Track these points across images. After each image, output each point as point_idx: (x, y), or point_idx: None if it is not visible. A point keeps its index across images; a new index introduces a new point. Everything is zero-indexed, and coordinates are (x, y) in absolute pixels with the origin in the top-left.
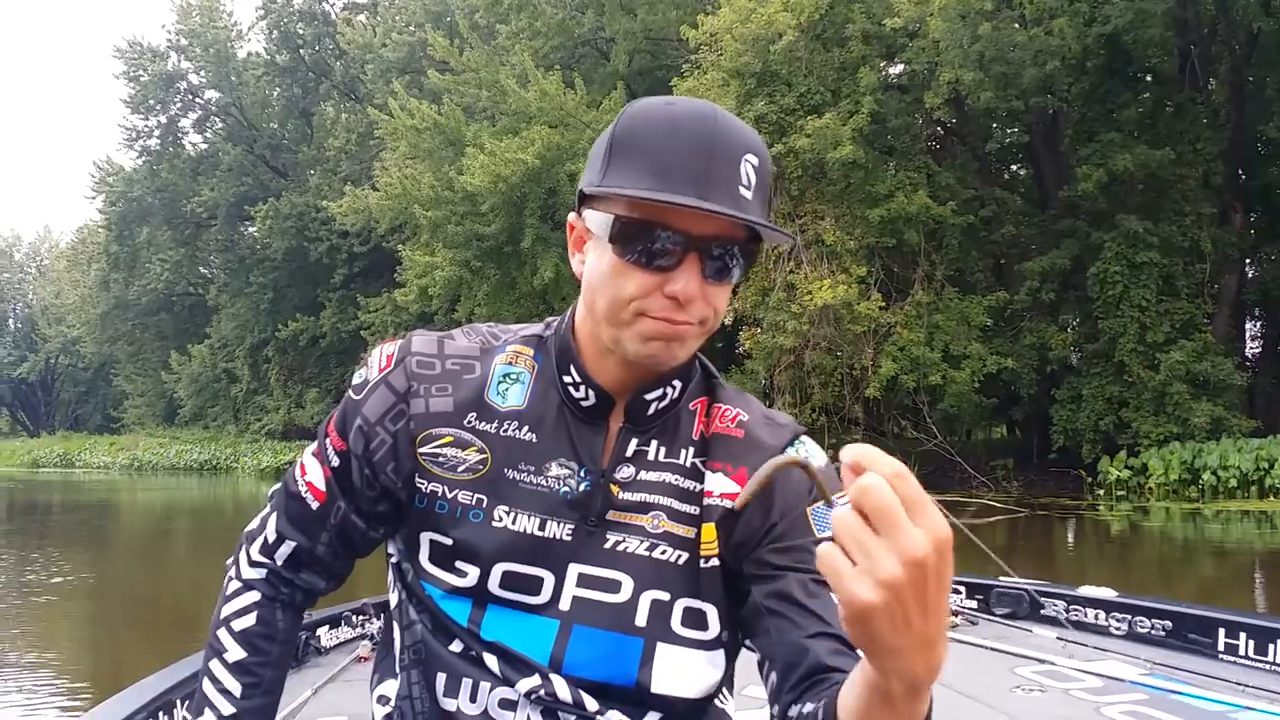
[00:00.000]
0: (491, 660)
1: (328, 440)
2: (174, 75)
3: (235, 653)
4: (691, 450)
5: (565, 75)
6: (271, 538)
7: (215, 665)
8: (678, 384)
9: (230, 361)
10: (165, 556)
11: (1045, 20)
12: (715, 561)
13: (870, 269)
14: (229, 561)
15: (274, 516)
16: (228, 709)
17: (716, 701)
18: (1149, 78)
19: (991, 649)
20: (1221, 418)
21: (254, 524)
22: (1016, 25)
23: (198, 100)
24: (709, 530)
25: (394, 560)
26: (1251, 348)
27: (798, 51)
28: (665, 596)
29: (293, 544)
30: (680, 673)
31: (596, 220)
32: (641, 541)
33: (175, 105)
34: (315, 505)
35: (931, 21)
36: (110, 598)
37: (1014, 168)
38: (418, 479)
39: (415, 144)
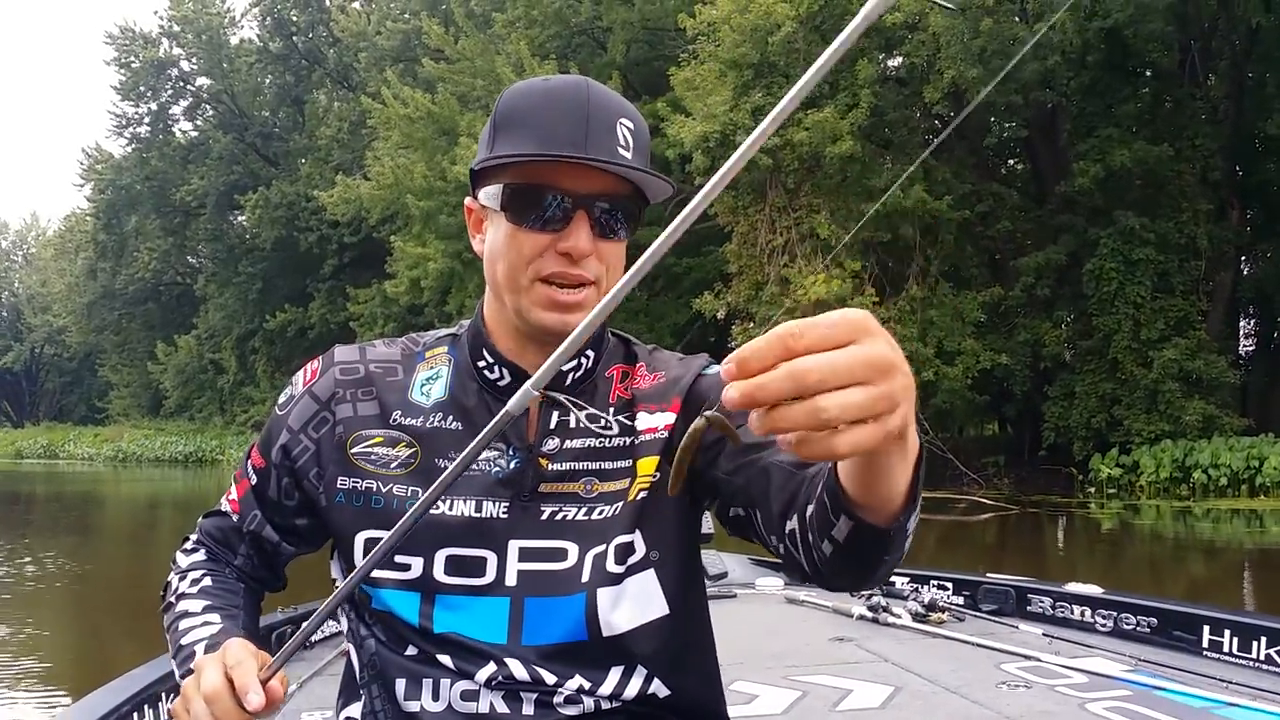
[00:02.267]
0: (446, 657)
1: (249, 461)
2: (165, 62)
3: (194, 587)
4: (612, 411)
5: (561, 65)
6: (192, 541)
7: (180, 609)
8: (590, 354)
9: (217, 352)
10: (150, 548)
11: (1046, 15)
12: (643, 494)
13: (865, 263)
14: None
15: (201, 524)
16: (210, 623)
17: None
18: (1148, 73)
19: (977, 645)
20: (1214, 416)
21: (189, 535)
22: (1017, 19)
23: (189, 87)
24: (647, 464)
25: (337, 582)
26: (1245, 346)
27: (796, 43)
28: (601, 548)
29: (214, 551)
30: (619, 606)
31: (489, 194)
32: (579, 508)
33: (166, 92)
34: (234, 519)
35: (932, 15)
36: (95, 588)
37: (1011, 162)
38: (351, 479)
39: (408, 133)
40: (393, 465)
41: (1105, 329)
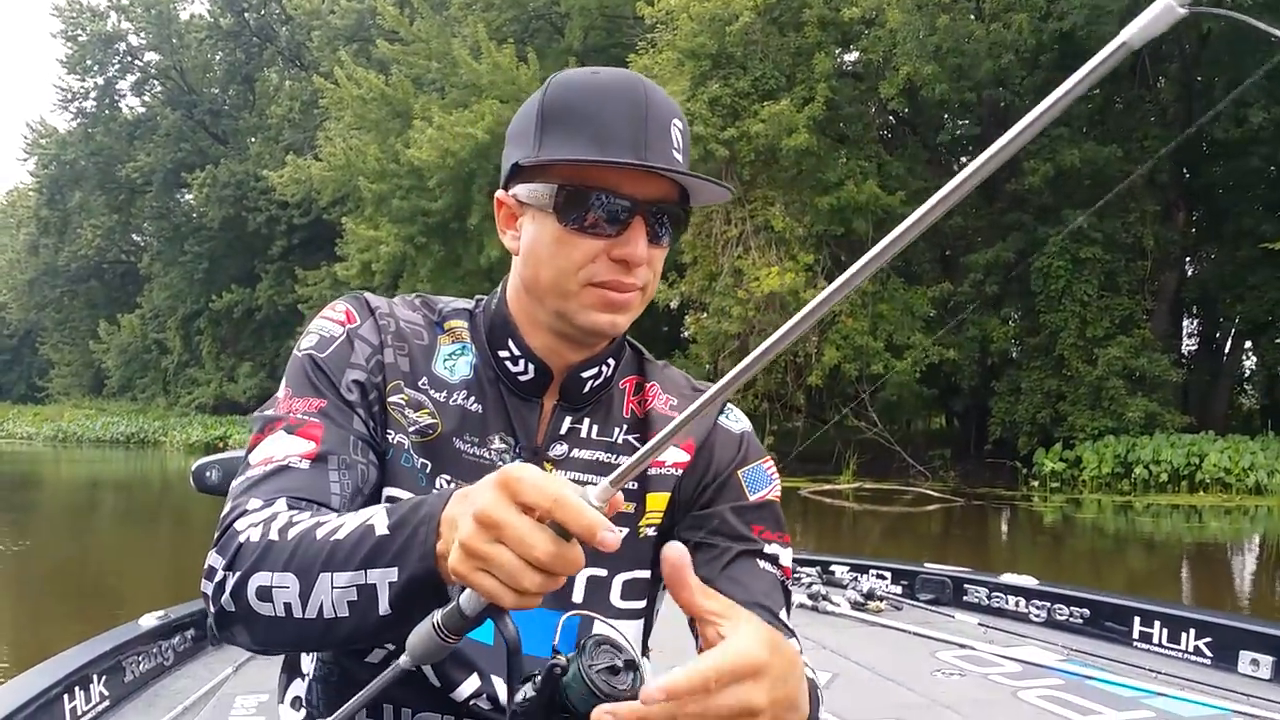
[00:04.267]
0: (428, 669)
1: (296, 404)
2: (113, 36)
3: (296, 516)
4: (625, 428)
5: (518, 49)
6: (260, 503)
7: (296, 535)
8: (611, 362)
9: (161, 332)
10: (90, 529)
11: (1002, 15)
12: (652, 530)
13: (818, 256)
14: (212, 567)
15: (255, 491)
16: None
17: None
18: None
19: (914, 634)
20: (1156, 413)
21: (227, 516)
22: (973, 17)
23: (137, 62)
24: (657, 499)
25: None
26: (1188, 345)
27: (753, 35)
28: (603, 573)
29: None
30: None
31: (535, 192)
32: None
33: (114, 67)
34: (307, 467)
35: (889, 11)
36: (33, 569)
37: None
38: (387, 429)
39: (361, 114)
40: (412, 430)
41: (1052, 326)
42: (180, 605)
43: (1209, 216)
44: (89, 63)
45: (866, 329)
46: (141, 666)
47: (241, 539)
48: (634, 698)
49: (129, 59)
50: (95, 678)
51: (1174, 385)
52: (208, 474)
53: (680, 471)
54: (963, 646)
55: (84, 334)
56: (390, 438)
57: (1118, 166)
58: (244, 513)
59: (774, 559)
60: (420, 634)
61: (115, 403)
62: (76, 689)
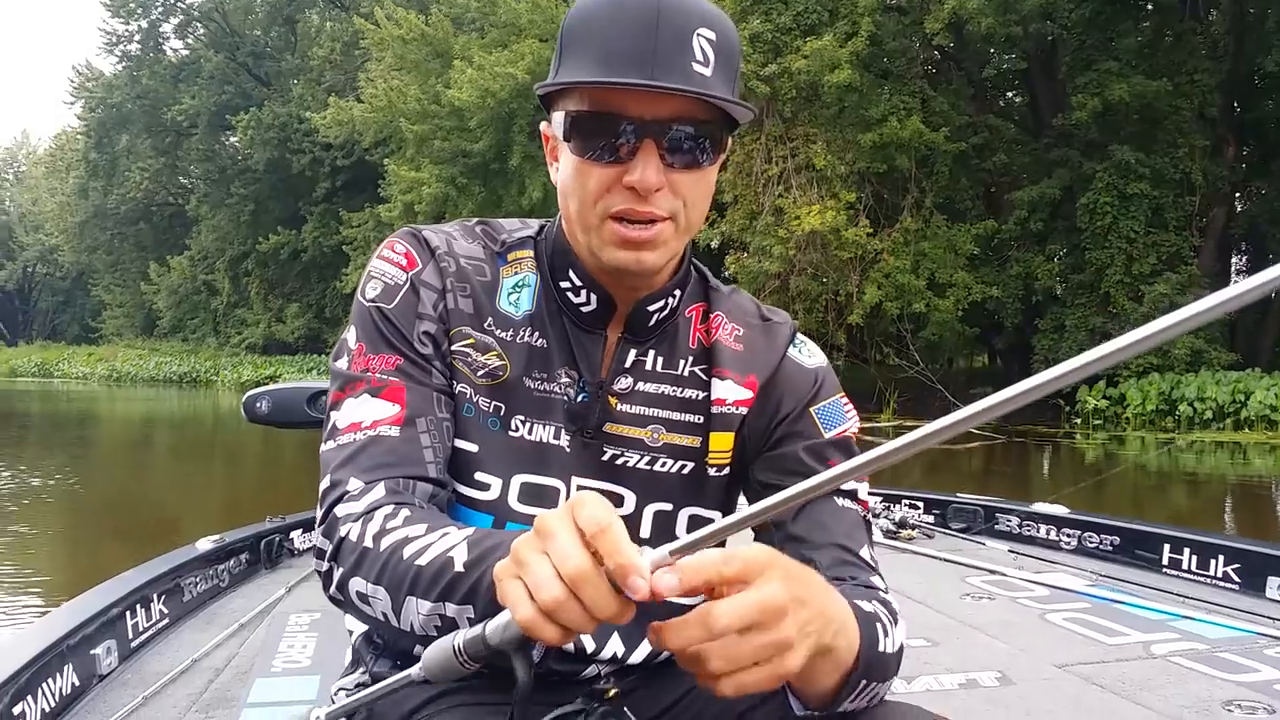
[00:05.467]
0: None
1: (373, 361)
2: None
3: (395, 519)
4: (690, 359)
5: None
6: (361, 485)
7: (390, 544)
8: (678, 293)
9: (210, 274)
10: (147, 463)
11: None
12: (724, 470)
13: (860, 195)
14: (320, 545)
15: (352, 467)
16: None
17: None
18: (1150, 6)
19: (945, 560)
20: (1201, 350)
21: (328, 494)
22: None
23: (179, 4)
24: (721, 439)
25: None
26: (1236, 282)
27: None
28: (668, 507)
29: (393, 483)
30: None
31: (556, 121)
32: (641, 456)
33: (156, 9)
34: (398, 431)
35: None
36: (93, 500)
37: (1010, 95)
38: (453, 380)
39: (401, 55)
40: (479, 374)
41: (1097, 263)
42: (234, 530)
43: (1259, 151)
44: (132, 5)
45: (908, 267)
46: (199, 587)
47: (342, 532)
48: None
49: (171, 1)
50: (155, 597)
51: (1220, 322)
52: (258, 405)
53: (744, 410)
54: (993, 573)
55: (135, 276)
56: (453, 388)
57: (1167, 101)
58: (344, 495)
59: (853, 494)
60: (439, 651)
61: (167, 343)
62: (138, 606)
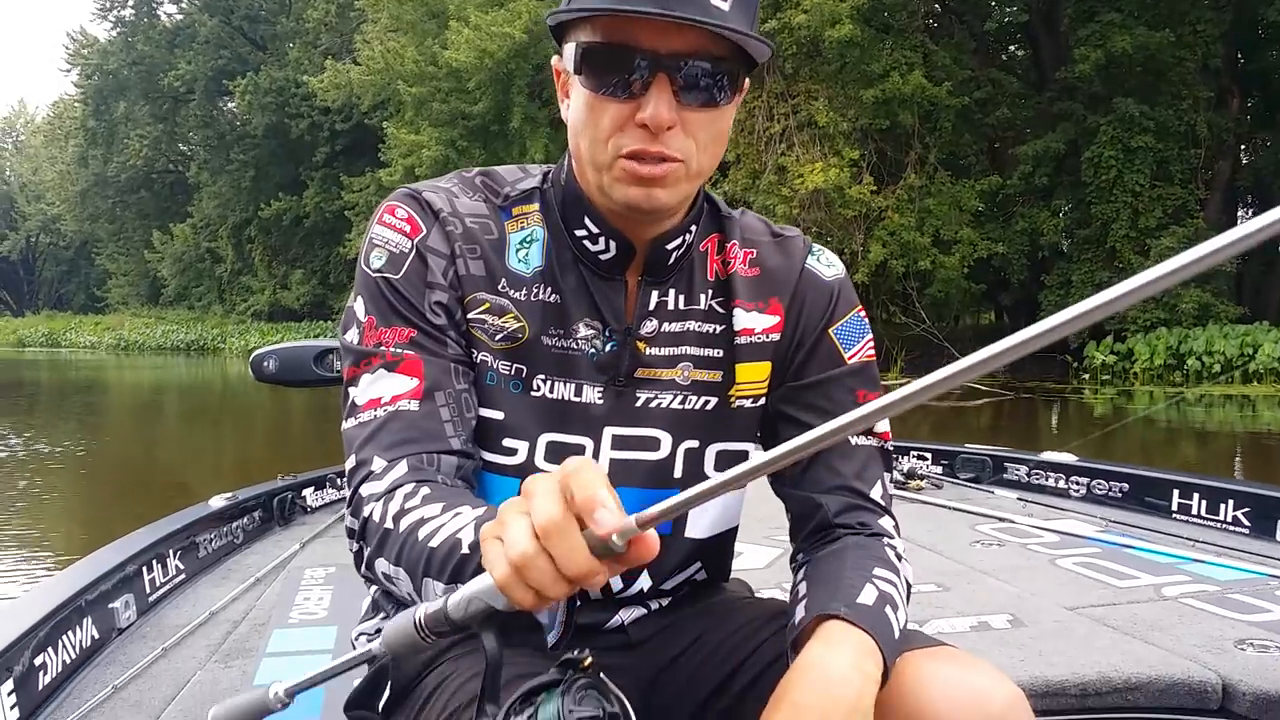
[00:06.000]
0: None
1: (386, 335)
2: None
3: (414, 498)
4: (710, 293)
5: None
6: (375, 465)
7: (408, 523)
8: (694, 228)
9: (213, 241)
10: (157, 428)
11: None
12: (758, 401)
13: (863, 152)
14: (350, 519)
15: (375, 445)
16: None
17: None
18: None
19: (954, 509)
20: (1209, 304)
21: (354, 474)
22: None
23: None
24: (752, 370)
25: None
26: None
27: None
28: (696, 444)
29: (415, 459)
30: (710, 514)
31: (567, 54)
32: (674, 395)
33: None
34: (417, 404)
35: None
36: (104, 463)
37: (1012, 48)
38: (472, 348)
39: (397, 15)
40: (497, 338)
41: (1103, 217)
42: (246, 488)
43: (1264, 102)
44: None
45: (913, 225)
46: (213, 544)
47: (367, 512)
48: None
49: None
50: (170, 553)
51: (1228, 275)
52: (265, 364)
53: (775, 337)
54: (1002, 520)
55: (138, 244)
56: (472, 354)
57: (1170, 52)
58: (369, 475)
59: (868, 429)
60: (398, 626)
61: (173, 311)
62: (154, 562)
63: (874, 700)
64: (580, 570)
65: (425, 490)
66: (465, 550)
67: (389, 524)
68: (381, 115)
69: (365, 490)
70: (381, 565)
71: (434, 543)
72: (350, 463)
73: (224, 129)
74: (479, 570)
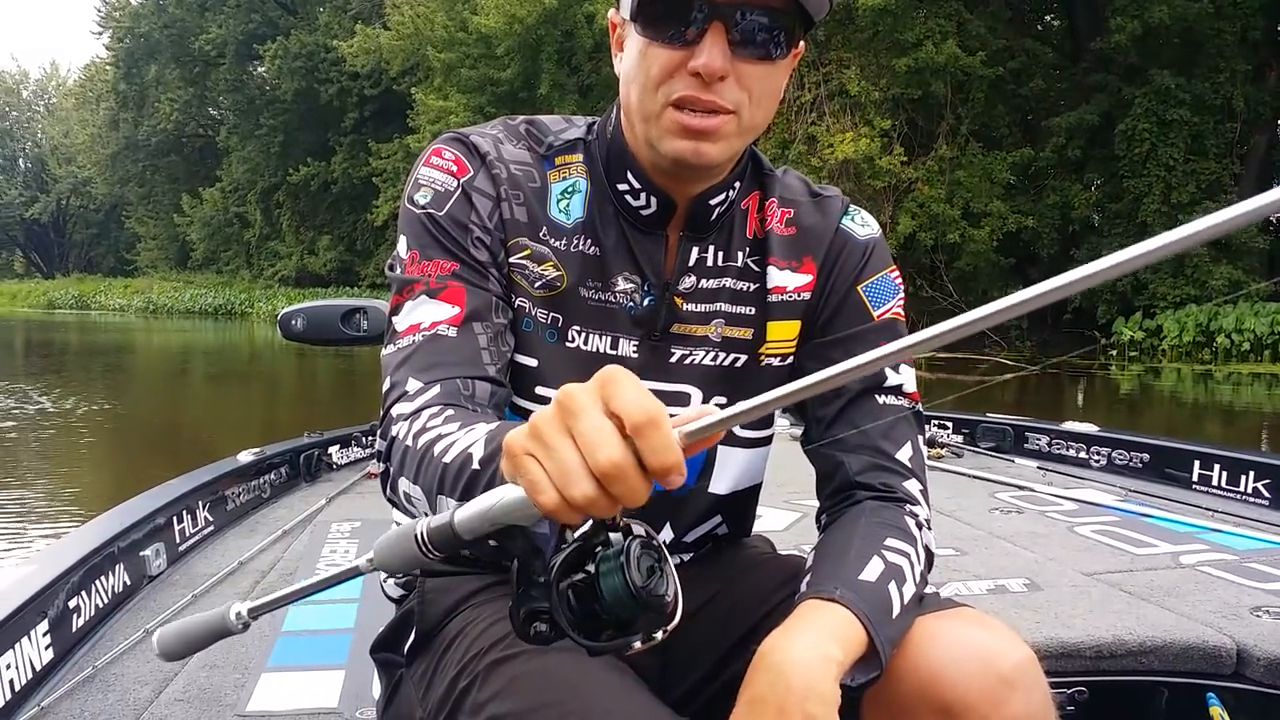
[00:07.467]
0: None
1: (429, 267)
2: None
3: (437, 418)
4: (746, 250)
5: None
6: (418, 385)
7: (424, 442)
8: (738, 185)
9: (242, 206)
10: (186, 389)
11: None
12: (776, 360)
13: (894, 122)
14: (379, 451)
15: (410, 367)
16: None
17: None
18: None
19: (974, 476)
20: (1240, 281)
21: (388, 395)
22: None
23: None
24: (782, 328)
25: None
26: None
27: None
28: (725, 401)
29: (449, 385)
30: (732, 471)
31: (624, 2)
32: (707, 352)
33: None
34: (455, 332)
35: None
36: (134, 421)
37: (1047, 18)
38: (510, 292)
39: None
40: (536, 285)
41: (1135, 192)
42: (274, 444)
43: None
44: None
45: (943, 197)
46: (241, 497)
47: (395, 432)
48: (673, 611)
49: None
50: (200, 505)
51: (1260, 252)
52: (293, 322)
53: (807, 295)
54: (1021, 488)
55: (167, 208)
56: (513, 300)
57: (1208, 23)
58: (402, 395)
59: (897, 389)
60: (395, 539)
61: (201, 275)
62: (184, 513)
63: (835, 680)
64: (641, 502)
65: (450, 412)
66: (476, 466)
67: (410, 442)
68: (410, 81)
69: (396, 410)
70: (404, 485)
71: (447, 459)
72: (385, 384)
73: (254, 93)
74: (490, 486)
